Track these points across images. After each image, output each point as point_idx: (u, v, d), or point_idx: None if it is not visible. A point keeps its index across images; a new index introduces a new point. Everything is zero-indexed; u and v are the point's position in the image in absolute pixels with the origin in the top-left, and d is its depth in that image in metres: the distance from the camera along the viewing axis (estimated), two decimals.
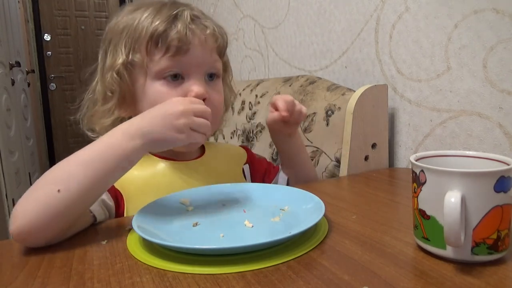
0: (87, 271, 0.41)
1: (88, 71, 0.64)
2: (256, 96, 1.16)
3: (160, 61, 0.57)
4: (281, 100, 0.63)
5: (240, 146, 0.76)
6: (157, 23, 0.56)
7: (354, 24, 0.98)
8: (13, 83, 2.32)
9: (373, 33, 0.92)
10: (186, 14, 0.58)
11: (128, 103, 0.61)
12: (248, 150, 0.74)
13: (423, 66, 0.81)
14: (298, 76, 1.07)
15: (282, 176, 0.75)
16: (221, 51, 0.63)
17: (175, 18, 0.57)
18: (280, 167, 0.76)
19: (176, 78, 0.58)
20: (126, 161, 0.48)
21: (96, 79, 0.63)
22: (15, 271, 0.41)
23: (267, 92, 1.13)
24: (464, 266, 0.38)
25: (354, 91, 0.84)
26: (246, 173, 0.71)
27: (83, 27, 3.68)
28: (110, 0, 3.75)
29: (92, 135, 0.62)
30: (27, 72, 2.88)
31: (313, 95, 0.94)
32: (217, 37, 0.61)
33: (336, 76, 1.06)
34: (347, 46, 1.01)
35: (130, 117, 0.61)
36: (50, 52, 3.58)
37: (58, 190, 0.44)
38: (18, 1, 2.84)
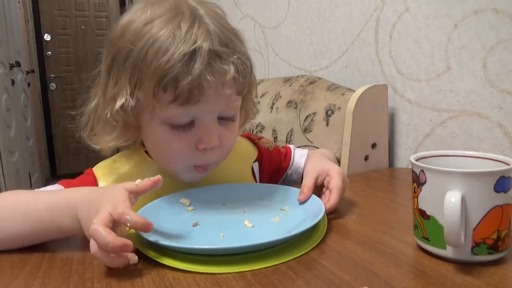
0: (87, 271, 0.41)
1: (91, 76, 0.58)
2: (256, 96, 1.16)
3: (168, 108, 0.50)
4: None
5: (252, 138, 0.70)
6: (170, 64, 0.47)
7: (354, 24, 0.98)
8: (13, 83, 2.32)
9: (373, 33, 0.92)
10: (205, 49, 0.48)
11: (133, 130, 0.56)
12: (260, 147, 0.69)
13: (423, 66, 0.81)
14: (298, 76, 1.07)
15: (298, 160, 0.71)
16: (242, 90, 0.53)
17: (191, 57, 0.47)
18: (292, 154, 0.72)
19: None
20: (60, 233, 0.47)
21: (98, 97, 0.56)
22: (15, 271, 0.42)
23: (267, 92, 1.13)
24: (464, 266, 0.38)
25: (354, 91, 0.84)
26: (255, 172, 0.67)
27: (83, 27, 3.67)
28: (110, 0, 3.75)
29: (96, 147, 0.58)
30: (27, 72, 2.88)
31: (313, 95, 0.94)
32: (238, 80, 0.51)
33: (336, 76, 1.06)
34: (347, 46, 1.01)
35: (136, 140, 0.58)
36: (50, 52, 3.57)
37: None
38: (18, 1, 2.83)
